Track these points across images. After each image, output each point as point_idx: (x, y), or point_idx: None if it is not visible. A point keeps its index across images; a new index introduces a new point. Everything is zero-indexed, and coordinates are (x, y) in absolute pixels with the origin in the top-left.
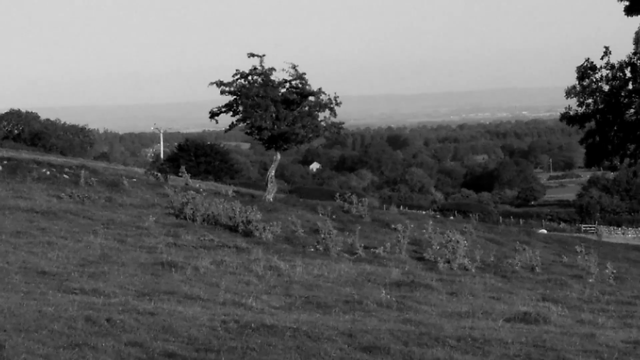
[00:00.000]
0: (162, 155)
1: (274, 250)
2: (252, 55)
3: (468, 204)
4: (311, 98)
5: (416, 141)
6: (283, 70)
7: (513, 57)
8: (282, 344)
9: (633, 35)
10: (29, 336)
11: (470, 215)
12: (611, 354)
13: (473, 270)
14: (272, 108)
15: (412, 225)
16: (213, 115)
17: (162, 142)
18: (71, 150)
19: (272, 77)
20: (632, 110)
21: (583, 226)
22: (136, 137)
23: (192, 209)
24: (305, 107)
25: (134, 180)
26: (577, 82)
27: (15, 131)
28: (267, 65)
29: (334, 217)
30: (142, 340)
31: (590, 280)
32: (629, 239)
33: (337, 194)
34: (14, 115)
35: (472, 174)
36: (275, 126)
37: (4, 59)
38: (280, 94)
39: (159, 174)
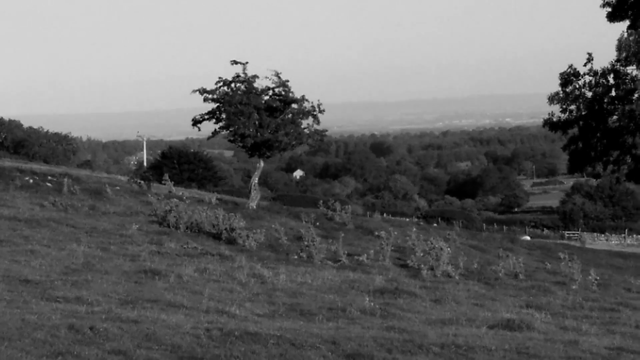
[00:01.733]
0: (145, 163)
1: (257, 258)
2: (235, 62)
3: (451, 211)
4: (294, 105)
5: (399, 148)
6: (266, 77)
7: (496, 64)
8: (265, 352)
9: (616, 42)
10: (12, 345)
11: (454, 222)
12: None
13: (456, 277)
14: (255, 115)
15: (395, 233)
16: (196, 122)
17: (145, 150)
18: (54, 158)
19: (255, 85)
20: (615, 117)
21: (566, 233)
22: (119, 145)
23: (175, 216)
24: (288, 114)
25: (117, 188)
26: (560, 89)
27: None
28: (250, 73)
29: (317, 224)
30: (126, 348)
31: (574, 287)
32: (613, 246)
33: (321, 201)
34: None
35: (455, 181)
36: (259, 133)
37: None
38: (263, 101)
39: (142, 182)
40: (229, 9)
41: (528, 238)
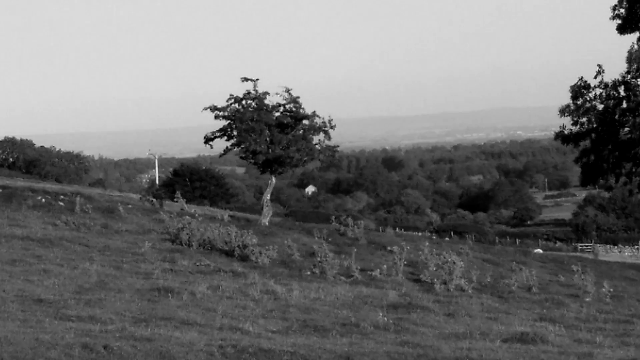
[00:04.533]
0: (157, 181)
1: (270, 274)
2: (246, 79)
3: (464, 225)
4: (305, 121)
5: (411, 163)
6: (277, 94)
7: (507, 77)
8: None
9: (626, 54)
10: None
11: (467, 236)
12: None
13: (470, 291)
14: (267, 132)
15: (408, 247)
16: (208, 140)
17: (157, 168)
18: (66, 177)
19: (266, 101)
20: (626, 129)
21: (579, 245)
22: (131, 163)
23: (187, 234)
24: (299, 130)
25: (130, 206)
26: (571, 101)
27: (10, 159)
28: (260, 90)
29: (330, 240)
30: None
31: (587, 299)
32: (626, 257)
33: (333, 216)
34: (9, 143)
35: (467, 195)
36: (270, 150)
37: None
38: (274, 117)
39: (155, 200)
40: (239, 26)
41: (540, 251)
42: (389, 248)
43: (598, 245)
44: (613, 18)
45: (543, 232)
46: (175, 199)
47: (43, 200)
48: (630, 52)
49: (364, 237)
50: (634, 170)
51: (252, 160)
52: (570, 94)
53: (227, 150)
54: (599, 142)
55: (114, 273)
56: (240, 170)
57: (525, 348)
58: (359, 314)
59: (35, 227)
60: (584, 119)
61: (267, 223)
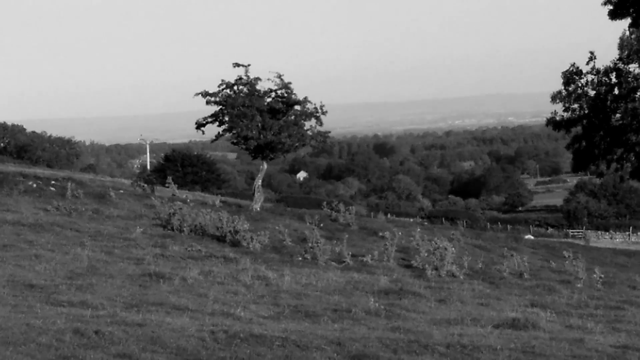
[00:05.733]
0: (148, 166)
1: (261, 260)
2: (238, 65)
3: (455, 211)
4: (297, 107)
5: (403, 149)
6: (268, 79)
7: (498, 63)
8: (271, 354)
9: (618, 40)
10: (17, 349)
11: (458, 222)
12: (600, 359)
13: (461, 277)
14: (258, 117)
15: (399, 233)
16: (199, 125)
17: (148, 153)
18: (58, 162)
19: (258, 87)
20: (618, 115)
21: (571, 231)
22: (122, 149)
23: (179, 219)
24: (291, 116)
25: (121, 191)
26: (563, 87)
27: (1, 144)
28: (252, 75)
29: (321, 225)
30: (131, 352)
31: (579, 286)
32: (617, 244)
33: (325, 202)
34: (0, 128)
35: (459, 181)
36: (262, 136)
37: None
38: (266, 103)
39: (146, 185)
40: (230, 11)
41: (531, 237)
42: (380, 234)
43: (589, 231)
44: (605, 4)
45: (534, 218)
46: (166, 185)
47: (34, 185)
48: (621, 39)
49: (356, 223)
50: (625, 156)
51: (244, 146)
52: (562, 80)
53: (218, 136)
54: (591, 128)
55: (105, 258)
56: (232, 156)
57: (516, 334)
58: (351, 300)
59: (27, 212)
60: (576, 105)
61: (258, 209)
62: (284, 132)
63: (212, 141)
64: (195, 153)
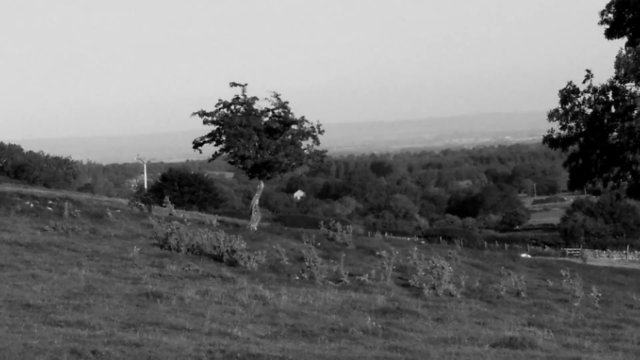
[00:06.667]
0: (145, 186)
1: (259, 279)
2: (235, 84)
3: (452, 230)
4: (294, 126)
5: (400, 167)
6: (265, 99)
7: (495, 82)
8: None
9: (614, 59)
10: None
11: (455, 240)
12: None
13: (458, 296)
14: (255, 137)
15: (397, 252)
16: (196, 145)
17: (145, 173)
18: (55, 182)
19: (255, 106)
20: (615, 134)
21: (568, 250)
22: (120, 168)
23: (176, 239)
24: (288, 135)
25: (118, 211)
26: (560, 106)
27: None
28: (249, 95)
29: (318, 245)
30: None
31: (576, 304)
32: (614, 262)
33: (322, 221)
34: None
35: (456, 200)
36: (259, 155)
37: None
38: (263, 122)
39: (143, 205)
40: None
41: (528, 256)
42: (377, 253)
43: (586, 250)
44: (601, 23)
45: (531, 237)
46: (163, 204)
47: (31, 205)
48: (618, 57)
49: (353, 242)
50: (621, 174)
51: (241, 165)
52: (559, 99)
53: (215, 155)
54: (588, 146)
55: (103, 278)
56: (229, 175)
57: (513, 353)
58: (348, 319)
59: (24, 232)
60: (573, 124)
61: (255, 228)
62: (281, 151)
63: (210, 160)
64: (193, 172)
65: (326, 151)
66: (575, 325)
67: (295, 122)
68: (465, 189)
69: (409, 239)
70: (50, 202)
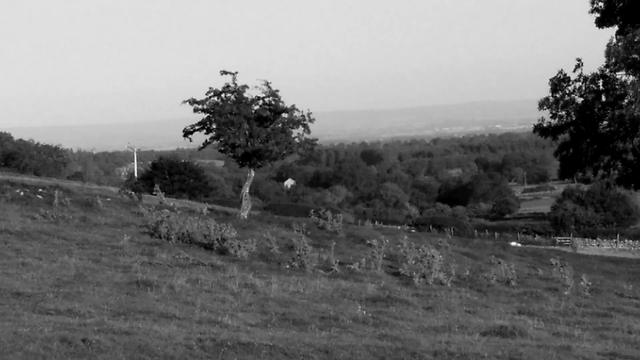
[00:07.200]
0: (136, 174)
1: (249, 268)
2: (225, 72)
3: (443, 218)
4: (284, 115)
5: (390, 156)
6: (256, 87)
7: (485, 70)
8: None
9: (605, 48)
10: (4, 358)
11: (445, 229)
12: None
13: (449, 285)
14: (246, 125)
15: (387, 241)
16: (187, 133)
17: (135, 161)
18: (45, 170)
19: (245, 95)
20: (605, 122)
21: (558, 239)
22: (110, 157)
23: (166, 227)
24: (278, 124)
25: (108, 199)
26: (550, 95)
27: None
28: (240, 83)
29: (309, 233)
30: None
31: (566, 293)
32: (604, 251)
33: (312, 210)
34: None
35: (446, 188)
36: (249, 143)
37: None
38: (253, 111)
39: (133, 193)
40: (218, 19)
41: (518, 244)
42: (368, 241)
43: (577, 238)
44: (592, 11)
45: (522, 225)
46: (154, 192)
47: (21, 193)
48: (609, 46)
49: (343, 231)
50: (612, 163)
51: (231, 154)
52: (550, 87)
53: (206, 144)
54: (578, 135)
55: (93, 266)
56: (220, 164)
57: (504, 341)
58: (338, 308)
59: (14, 221)
60: (563, 112)
61: (246, 216)
62: (271, 139)
63: (200, 149)
64: (183, 161)
65: (317, 139)
66: (565, 314)
67: (285, 110)
68: (455, 177)
69: (399, 227)
70: (40, 190)
